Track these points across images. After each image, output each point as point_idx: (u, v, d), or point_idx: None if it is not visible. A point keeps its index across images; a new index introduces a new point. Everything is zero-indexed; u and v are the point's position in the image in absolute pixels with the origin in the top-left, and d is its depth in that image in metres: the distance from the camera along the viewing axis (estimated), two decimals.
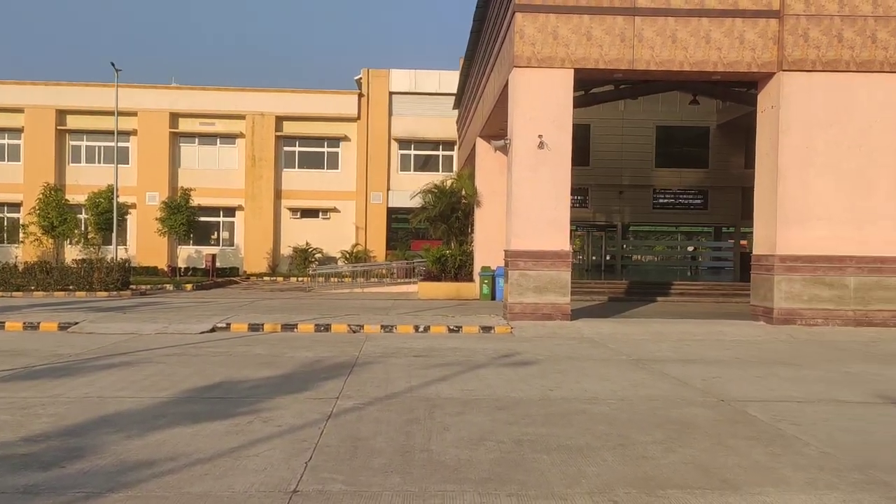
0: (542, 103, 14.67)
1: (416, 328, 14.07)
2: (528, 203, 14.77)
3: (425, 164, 36.37)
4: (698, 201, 34.47)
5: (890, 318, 14.50)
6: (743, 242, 32.57)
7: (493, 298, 21.01)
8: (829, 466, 5.55)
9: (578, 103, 24.16)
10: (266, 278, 32.64)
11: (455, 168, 33.64)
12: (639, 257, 37.49)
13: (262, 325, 14.07)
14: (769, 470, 5.45)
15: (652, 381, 9.10)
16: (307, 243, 33.79)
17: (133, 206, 34.34)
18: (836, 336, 13.54)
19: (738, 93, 25.48)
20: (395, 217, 35.51)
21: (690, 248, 38.12)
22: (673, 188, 34.33)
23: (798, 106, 14.44)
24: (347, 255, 33.51)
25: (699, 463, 5.61)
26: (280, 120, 35.29)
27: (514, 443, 6.10)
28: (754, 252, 15.70)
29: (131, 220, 34.68)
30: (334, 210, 35.60)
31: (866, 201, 14.50)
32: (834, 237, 14.51)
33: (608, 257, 35.54)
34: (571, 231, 34.33)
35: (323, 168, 35.88)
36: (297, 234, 34.90)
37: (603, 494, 4.87)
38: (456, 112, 33.61)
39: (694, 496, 4.86)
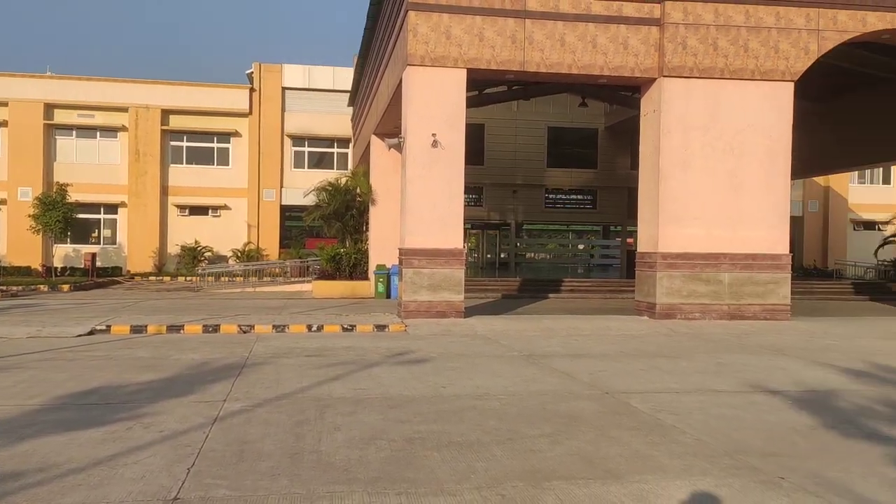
0: (435, 102, 14.76)
1: (310, 327, 13.85)
2: (422, 201, 14.82)
3: (320, 162, 35.88)
4: (588, 201, 35.67)
5: (760, 312, 15.45)
6: (629, 240, 33.93)
7: (389, 297, 20.96)
8: (702, 453, 5.84)
9: (472, 103, 24.52)
10: (152, 278, 31.30)
11: (350, 166, 33.36)
12: (532, 255, 38.36)
13: (146, 326, 13.47)
14: (648, 458, 5.68)
15: (542, 376, 9.32)
16: (196, 242, 32.64)
17: (3, 202, 32.16)
18: (712, 329, 14.30)
19: (623, 96, 26.57)
20: (289, 215, 34.84)
21: (581, 247, 39.35)
22: (564, 188, 35.36)
23: (677, 110, 15.15)
24: (239, 254, 32.60)
25: (584, 454, 5.78)
26: (166, 113, 33.92)
27: (406, 441, 6.10)
28: (638, 250, 16.36)
29: (1, 216, 32.47)
30: (225, 208, 34.56)
31: (739, 201, 15.38)
32: (710, 235, 15.32)
33: (502, 255, 36.18)
34: (466, 229, 34.90)
35: (213, 164, 34.75)
36: (185, 232, 33.65)
37: (491, 489, 4.94)
38: (351, 109, 33.33)
39: (578, 486, 5.01)
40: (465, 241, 35.67)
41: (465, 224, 34.20)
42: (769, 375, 9.45)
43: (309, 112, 35.07)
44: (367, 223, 24.25)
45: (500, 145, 34.02)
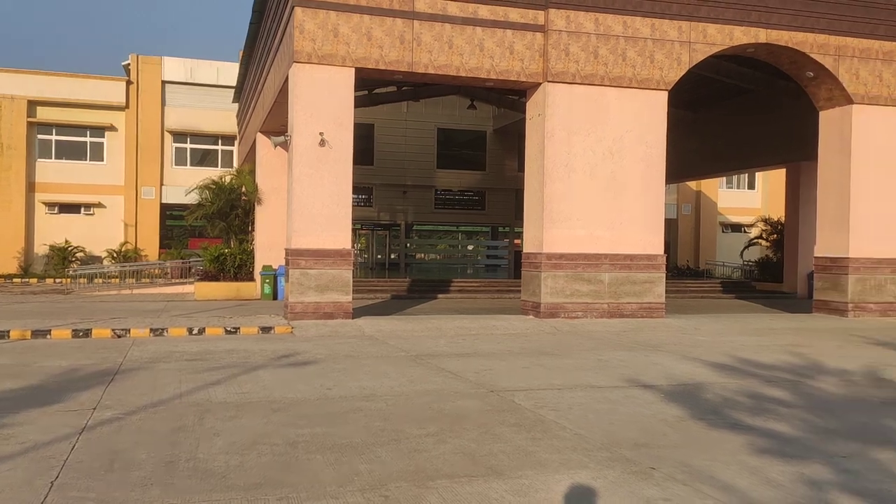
0: (323, 101, 14.56)
1: (190, 331, 13.35)
2: (309, 201, 14.59)
3: (203, 159, 34.67)
4: (477, 202, 36.23)
5: (637, 310, 16.15)
6: (517, 241, 34.70)
7: (276, 298, 20.52)
8: (580, 447, 6.04)
9: (362, 103, 24.35)
10: (17, 280, 29.28)
11: (236, 163, 32.42)
12: (422, 255, 38.56)
13: (8, 332, 12.57)
14: (530, 454, 5.81)
15: (429, 375, 9.37)
16: (67, 241, 30.80)
17: None
18: (594, 327, 14.83)
19: (511, 100, 27.15)
20: (170, 214, 33.46)
21: (470, 247, 39.91)
22: (453, 189, 35.76)
23: (561, 115, 15.61)
24: (115, 255, 31.01)
25: (468, 452, 5.85)
26: (33, 105, 31.83)
27: (289, 445, 5.98)
28: (524, 250, 16.74)
29: None
30: (99, 205, 32.80)
31: (618, 204, 16.02)
32: (592, 236, 15.87)
33: (392, 256, 36.17)
34: (356, 230, 34.71)
35: (86, 160, 32.90)
36: (55, 231, 31.68)
37: (375, 490, 4.91)
38: (236, 105, 32.38)
39: (461, 484, 5.06)
40: (354, 242, 35.51)
41: (354, 224, 33.88)
42: (644, 370, 9.88)
43: (191, 107, 33.82)
44: (253, 223, 23.63)
45: (390, 146, 34.00)
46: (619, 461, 5.65)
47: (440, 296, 23.19)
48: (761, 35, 16.51)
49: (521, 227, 16.84)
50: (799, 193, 26.07)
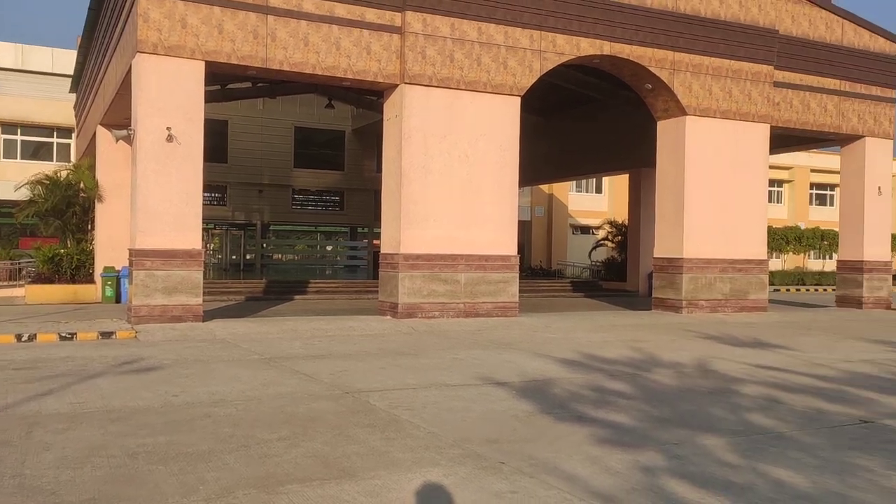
0: (170, 94, 13.88)
1: (19, 338, 12.31)
2: (155, 198, 13.86)
3: (37, 153, 32.13)
4: (335, 202, 35.88)
5: (493, 310, 16.57)
6: (376, 242, 34.65)
7: (119, 301, 19.35)
8: (433, 445, 6.11)
9: (214, 98, 23.46)
10: None
11: (73, 158, 30.24)
12: (280, 256, 37.68)
13: None
14: (383, 454, 5.81)
15: (282, 378, 9.16)
16: None
17: None
18: (450, 327, 15.07)
19: (369, 100, 27.10)
20: None
21: (329, 248, 39.45)
22: (312, 189, 35.22)
23: (418, 117, 15.75)
24: None
25: (321, 455, 5.76)
26: None
27: (128, 456, 5.64)
28: (382, 251, 16.75)
29: None
30: None
31: (474, 205, 16.37)
32: (448, 237, 16.12)
33: (248, 256, 35.10)
34: (209, 229, 33.39)
35: None
36: None
37: (222, 499, 4.73)
38: (74, 96, 30.21)
39: (312, 488, 4.97)
40: (207, 242, 34.15)
41: (207, 224, 32.53)
42: (498, 368, 10.16)
43: (23, 96, 31.21)
44: (94, 221, 22.15)
45: (245, 143, 33.00)
46: (471, 457, 5.77)
47: (297, 297, 22.76)
48: (606, 47, 17.44)
49: (381, 227, 16.83)
50: (640, 198, 27.76)
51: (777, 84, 19.80)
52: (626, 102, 22.94)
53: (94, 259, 21.29)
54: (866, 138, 21.62)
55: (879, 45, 21.70)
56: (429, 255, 15.95)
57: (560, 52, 17.05)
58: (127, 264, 15.93)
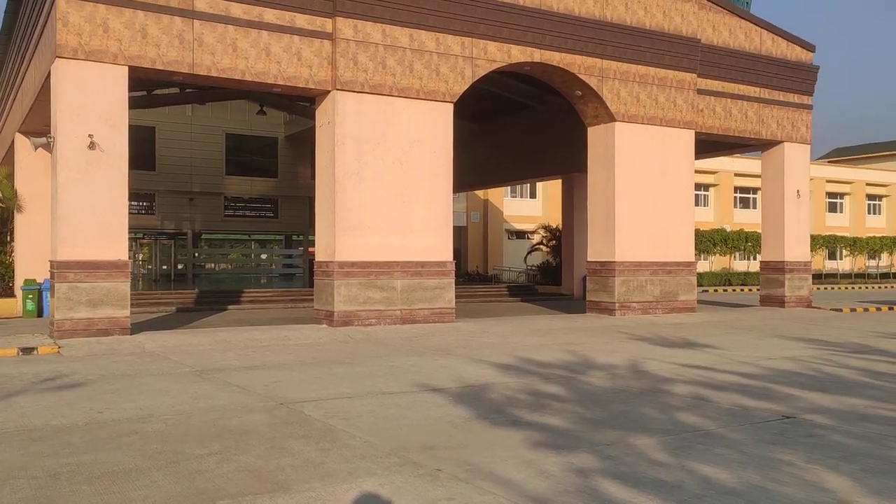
0: (92, 100, 13.42)
1: None
2: (78, 208, 13.37)
3: None
4: (269, 210, 35.32)
5: (429, 316, 16.57)
6: (311, 249, 34.26)
7: (41, 315, 18.59)
8: (369, 454, 6.06)
9: (140, 104, 22.86)
10: None
11: None
12: (213, 266, 36.86)
13: None
14: (319, 465, 5.73)
15: (214, 391, 8.95)
16: None
17: None
18: (387, 334, 15.00)
19: (302, 107, 26.83)
20: None
21: (263, 256, 38.80)
22: (244, 196, 34.60)
23: (350, 123, 15.66)
24: None
25: (254, 469, 5.65)
26: None
27: (50, 477, 5.42)
28: (317, 259, 16.55)
29: None
30: None
31: (409, 212, 16.35)
32: (384, 244, 16.05)
33: (179, 266, 34.23)
34: (137, 239, 32.45)
35: None
36: None
37: None
38: None
39: (245, 503, 4.87)
40: (136, 253, 33.17)
41: (136, 234, 31.62)
42: (434, 374, 10.16)
43: None
44: (13, 233, 21.25)
45: (174, 150, 32.20)
46: (407, 465, 5.74)
47: (231, 307, 22.30)
48: (536, 55, 17.69)
49: (315, 235, 16.65)
50: (573, 202, 28.24)
51: (701, 91, 20.45)
52: (558, 109, 23.33)
53: (13, 272, 20.43)
54: (785, 144, 22.51)
55: (796, 53, 22.65)
56: (364, 262, 15.85)
57: (491, 59, 17.22)
58: (49, 277, 15.32)
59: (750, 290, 37.37)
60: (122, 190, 13.81)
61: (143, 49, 13.78)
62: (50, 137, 13.79)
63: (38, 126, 17.58)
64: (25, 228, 20.21)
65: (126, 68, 13.69)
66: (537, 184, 42.86)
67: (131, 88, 14.13)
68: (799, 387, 9.29)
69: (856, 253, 49.45)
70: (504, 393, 8.82)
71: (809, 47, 22.96)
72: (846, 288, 41.55)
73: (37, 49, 15.78)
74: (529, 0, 17.57)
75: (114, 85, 13.65)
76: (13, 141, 20.35)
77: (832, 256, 52.10)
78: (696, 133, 20.38)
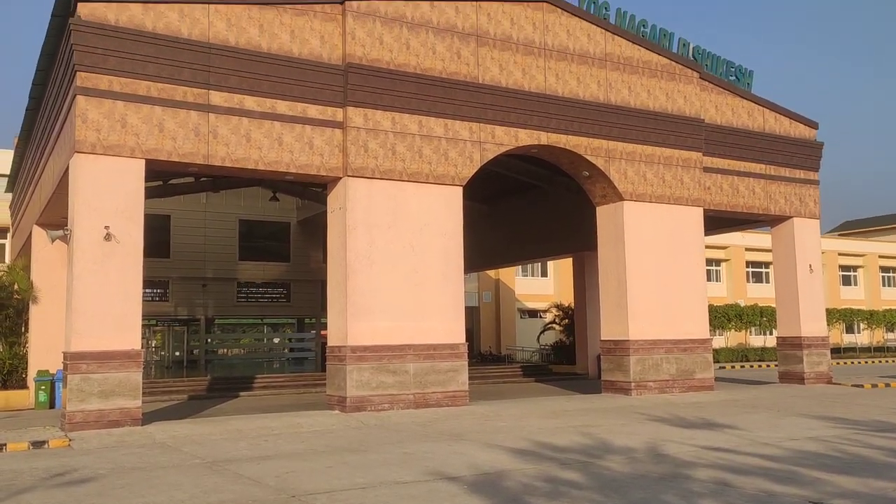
0: (109, 193, 13.71)
1: None
2: (92, 299, 13.48)
3: None
4: (282, 294, 35.44)
5: (442, 399, 16.36)
6: (323, 333, 34.13)
7: (53, 407, 18.48)
8: None
9: (156, 193, 23.30)
10: None
11: (8, 258, 29.41)
12: (225, 351, 36.76)
13: None
14: None
15: (225, 484, 8.79)
16: None
17: None
18: (400, 419, 14.77)
19: (314, 192, 27.24)
20: None
21: (276, 340, 38.71)
22: (257, 281, 34.79)
23: (362, 209, 15.88)
24: None
25: None
26: None
27: None
28: (329, 343, 16.50)
29: None
30: None
31: (420, 295, 16.37)
32: (396, 327, 16.01)
33: (192, 352, 34.16)
34: (151, 326, 32.52)
35: None
36: None
37: None
38: (10, 196, 29.60)
39: None
40: (149, 339, 33.19)
41: (150, 320, 31.70)
42: (448, 461, 9.95)
43: None
44: (27, 323, 21.36)
45: (188, 237, 32.60)
46: None
47: (243, 394, 22.12)
48: (543, 137, 18.04)
49: (327, 318, 16.65)
50: (585, 280, 28.20)
51: (707, 169, 20.68)
52: (566, 188, 23.59)
53: (27, 363, 20.43)
54: (794, 219, 22.57)
55: (800, 130, 22.99)
56: (376, 346, 15.78)
57: (499, 143, 17.56)
58: (62, 368, 15.31)
59: (768, 365, 36.75)
60: (136, 280, 13.94)
61: (160, 142, 14.16)
62: (67, 230, 14.03)
63: (56, 218, 17.94)
64: (40, 320, 20.32)
65: (143, 161, 14.04)
66: (548, 262, 42.93)
67: (147, 179, 14.45)
68: (825, 469, 9.02)
69: (873, 326, 48.79)
70: (520, 480, 8.61)
71: (812, 124, 23.31)
72: (865, 362, 40.80)
73: (56, 144, 16.25)
74: (535, 85, 18.05)
75: (130, 178, 13.96)
76: (31, 232, 20.71)
77: (849, 330, 51.36)
78: (704, 210, 20.50)
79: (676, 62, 20.33)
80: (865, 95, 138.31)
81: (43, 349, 19.72)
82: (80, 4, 13.63)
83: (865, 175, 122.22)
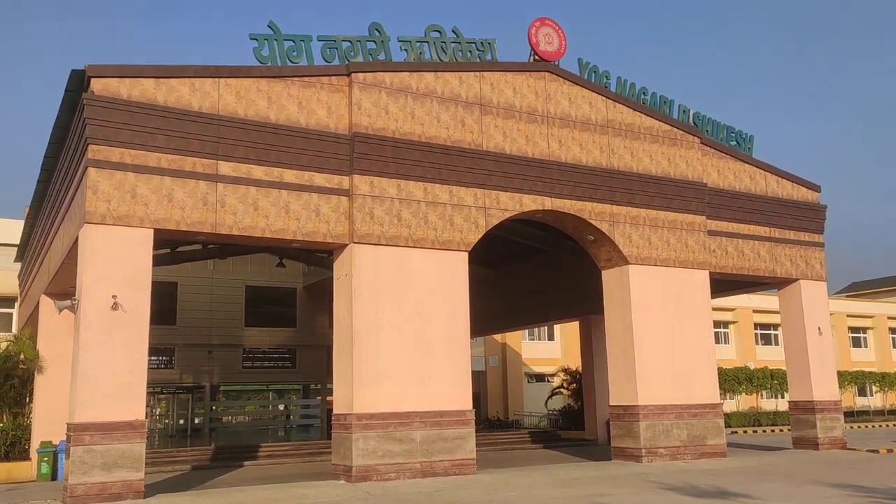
0: (117, 262, 13.83)
1: None
2: (97, 369, 13.44)
3: None
4: (287, 359, 35.22)
5: (450, 468, 16.07)
6: (330, 399, 33.76)
7: (56, 479, 18.25)
8: None
9: (164, 261, 23.45)
10: None
11: (15, 327, 29.45)
12: (230, 418, 36.34)
13: None
14: None
15: None
16: None
17: None
18: (406, 489, 14.49)
19: (320, 258, 27.38)
20: None
21: (281, 407, 38.29)
22: (263, 347, 34.65)
23: (367, 275, 15.93)
24: None
25: None
26: None
27: None
28: (334, 411, 16.32)
29: None
30: None
31: (426, 361, 16.27)
32: (402, 394, 15.86)
33: (196, 420, 33.79)
34: (155, 393, 32.26)
35: None
36: None
37: None
38: (19, 265, 29.83)
39: None
40: (154, 407, 32.88)
41: (154, 388, 31.49)
42: None
43: None
44: (31, 394, 21.24)
45: (194, 304, 32.65)
46: None
47: (248, 463, 21.79)
48: (547, 203, 18.22)
49: (333, 384, 16.51)
50: (592, 344, 27.98)
51: (711, 232, 20.77)
52: (571, 252, 23.65)
53: (30, 434, 20.23)
54: (801, 281, 22.51)
55: (802, 193, 23.15)
56: (382, 413, 15.61)
57: (504, 209, 17.72)
58: (65, 439, 15.16)
59: (780, 430, 36.06)
60: (142, 349, 13.92)
61: (169, 212, 14.34)
62: (74, 300, 14.10)
63: (64, 287, 18.04)
64: (45, 389, 20.22)
65: (151, 231, 14.20)
66: (555, 326, 42.69)
67: (155, 247, 14.58)
68: None
69: (885, 388, 48.04)
70: None
71: (814, 187, 23.48)
72: (879, 425, 40.04)
73: (66, 214, 16.47)
74: (538, 151, 18.32)
75: (139, 247, 14.10)
76: (39, 302, 20.79)
77: (861, 393, 50.56)
78: (710, 273, 20.48)
79: (678, 128, 20.65)
80: (865, 156, 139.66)
81: (47, 420, 19.57)
82: (93, 80, 14.02)
83: (870, 236, 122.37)
